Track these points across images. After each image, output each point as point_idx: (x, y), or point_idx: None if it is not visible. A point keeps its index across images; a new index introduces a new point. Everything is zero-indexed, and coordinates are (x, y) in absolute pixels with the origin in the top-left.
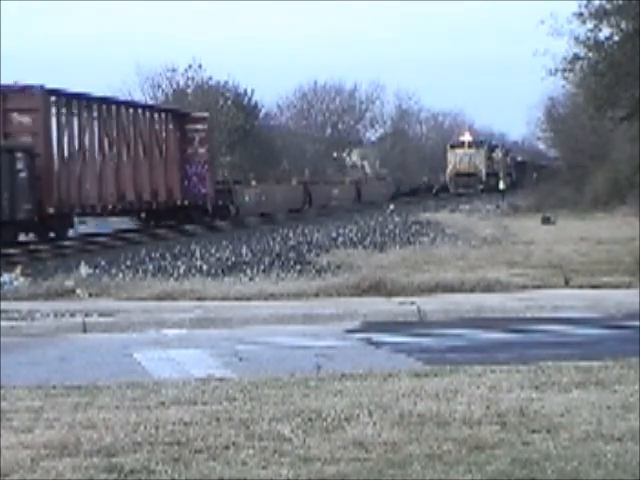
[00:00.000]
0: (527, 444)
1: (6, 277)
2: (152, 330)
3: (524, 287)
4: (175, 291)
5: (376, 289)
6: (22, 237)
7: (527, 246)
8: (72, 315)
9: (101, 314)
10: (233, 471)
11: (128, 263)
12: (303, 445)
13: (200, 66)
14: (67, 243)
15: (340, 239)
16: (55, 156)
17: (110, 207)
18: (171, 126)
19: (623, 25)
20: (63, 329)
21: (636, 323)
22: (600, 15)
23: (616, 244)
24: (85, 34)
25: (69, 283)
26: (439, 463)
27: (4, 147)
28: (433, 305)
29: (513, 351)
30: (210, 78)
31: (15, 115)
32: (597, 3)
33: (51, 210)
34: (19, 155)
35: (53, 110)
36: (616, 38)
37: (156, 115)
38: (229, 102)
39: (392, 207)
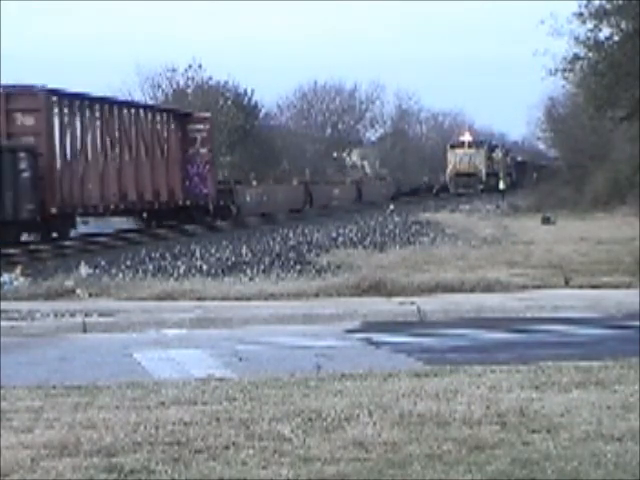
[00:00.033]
0: (527, 444)
1: (6, 277)
2: (152, 330)
3: (524, 287)
4: (175, 291)
5: (376, 289)
6: (22, 237)
7: (527, 246)
8: (72, 315)
9: (101, 314)
10: (233, 471)
11: (128, 263)
12: (303, 445)
13: (200, 66)
14: (67, 243)
15: (340, 239)
16: (57, 156)
17: (112, 207)
18: (173, 126)
19: (623, 25)
20: (63, 329)
21: (636, 323)
22: (600, 15)
23: (616, 244)
24: (85, 34)
25: (69, 283)
26: (439, 463)
27: (7, 147)
28: (433, 305)
29: (513, 351)
30: (210, 78)
31: (18, 115)
32: (597, 3)
33: (54, 210)
34: (22, 155)
35: (55, 110)
36: (616, 38)
37: (158, 115)
38: (229, 102)
39: (392, 207)
